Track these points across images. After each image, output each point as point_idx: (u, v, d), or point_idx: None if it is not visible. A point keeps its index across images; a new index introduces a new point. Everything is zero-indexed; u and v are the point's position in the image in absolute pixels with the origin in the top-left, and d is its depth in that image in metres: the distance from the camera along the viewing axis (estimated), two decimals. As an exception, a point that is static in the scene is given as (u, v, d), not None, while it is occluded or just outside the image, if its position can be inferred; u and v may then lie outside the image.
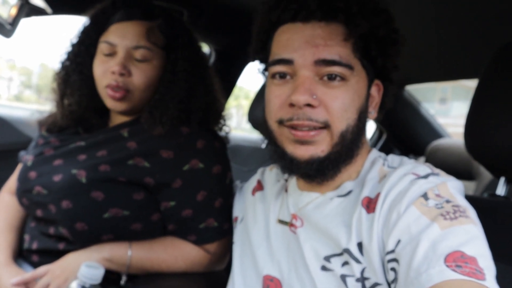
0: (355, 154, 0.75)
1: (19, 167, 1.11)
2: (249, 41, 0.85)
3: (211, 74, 1.11)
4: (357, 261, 0.65)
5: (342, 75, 0.69)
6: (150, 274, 1.01)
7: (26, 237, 1.06)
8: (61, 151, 1.04)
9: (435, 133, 2.12)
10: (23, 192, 1.02)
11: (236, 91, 2.14)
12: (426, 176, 0.66)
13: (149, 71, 1.00)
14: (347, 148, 0.72)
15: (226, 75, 1.19)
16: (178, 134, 1.00)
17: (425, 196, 0.62)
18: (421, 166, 0.69)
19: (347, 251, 0.66)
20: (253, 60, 0.85)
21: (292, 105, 0.69)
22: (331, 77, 0.69)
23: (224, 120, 1.14)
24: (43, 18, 1.37)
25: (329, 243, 0.70)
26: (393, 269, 0.60)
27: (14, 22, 1.16)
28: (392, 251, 0.60)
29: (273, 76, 0.74)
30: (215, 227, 1.01)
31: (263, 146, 1.83)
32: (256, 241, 0.84)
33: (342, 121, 0.70)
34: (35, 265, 1.02)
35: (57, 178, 0.97)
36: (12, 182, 1.16)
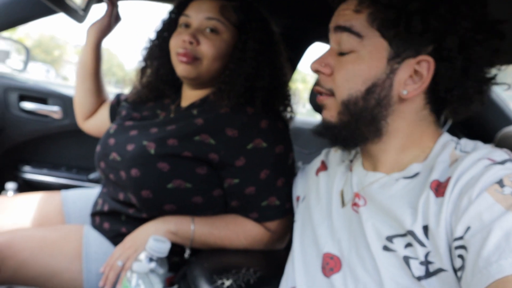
0: (377, 129, 0.74)
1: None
2: (310, 23, 0.87)
3: (282, 60, 1.13)
4: (422, 244, 0.63)
5: (351, 43, 0.71)
6: (212, 250, 1.05)
7: (99, 200, 1.17)
8: (138, 123, 1.12)
9: (506, 119, 1.99)
10: (102, 156, 1.12)
11: (294, 74, 2.13)
12: (503, 162, 0.62)
13: (218, 42, 1.03)
14: (356, 120, 0.73)
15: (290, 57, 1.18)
16: (243, 113, 1.02)
17: (500, 183, 0.58)
18: (498, 151, 0.65)
19: (411, 233, 0.64)
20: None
21: None
22: (342, 54, 0.74)
23: (290, 102, 1.16)
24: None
25: (392, 223, 0.68)
26: (460, 256, 0.57)
27: (87, 8, 1.22)
28: (461, 238, 0.58)
29: None
30: (277, 205, 1.03)
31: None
32: (317, 220, 0.85)
33: (343, 91, 0.73)
34: (106, 232, 1.11)
35: (130, 147, 1.04)
36: None
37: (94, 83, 1.33)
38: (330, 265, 0.76)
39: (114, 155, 1.06)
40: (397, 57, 0.69)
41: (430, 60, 0.68)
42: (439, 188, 0.64)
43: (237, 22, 1.06)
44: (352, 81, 0.72)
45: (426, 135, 0.74)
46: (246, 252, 1.05)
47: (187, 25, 1.06)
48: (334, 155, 0.96)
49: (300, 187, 1.02)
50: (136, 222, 1.06)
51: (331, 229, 0.81)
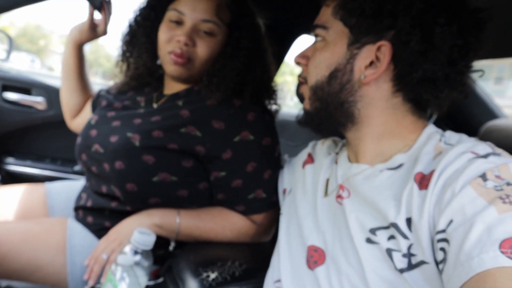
0: (348, 114, 0.76)
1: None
2: (298, 15, 0.88)
3: (269, 54, 1.13)
4: (405, 236, 0.63)
5: (321, 35, 0.77)
6: (197, 243, 1.04)
7: (83, 195, 1.15)
8: (120, 113, 1.10)
9: (491, 113, 2.01)
10: (83, 148, 1.10)
11: (282, 67, 2.12)
12: (486, 156, 0.62)
13: (212, 45, 1.02)
14: (326, 105, 0.77)
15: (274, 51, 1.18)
16: (230, 105, 1.01)
17: (483, 176, 0.58)
18: (482, 145, 0.65)
19: (394, 225, 0.64)
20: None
21: None
22: (315, 41, 0.80)
23: (276, 96, 1.15)
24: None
25: (376, 215, 0.68)
26: (442, 249, 0.57)
27: None
28: (443, 231, 0.58)
29: None
30: (263, 198, 1.03)
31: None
32: (303, 213, 0.85)
33: (312, 77, 0.78)
34: (90, 226, 1.09)
35: (113, 139, 1.02)
36: None
37: (78, 82, 1.32)
38: (314, 257, 0.76)
39: (96, 147, 1.04)
40: (356, 42, 0.72)
41: (387, 44, 0.69)
42: (423, 181, 0.64)
43: (229, 21, 1.05)
44: (318, 67, 0.77)
45: (404, 125, 0.74)
46: (231, 245, 1.04)
47: (179, 22, 1.02)
48: (321, 148, 0.96)
49: (286, 179, 1.02)
50: (120, 215, 1.05)
51: (316, 222, 0.81)
